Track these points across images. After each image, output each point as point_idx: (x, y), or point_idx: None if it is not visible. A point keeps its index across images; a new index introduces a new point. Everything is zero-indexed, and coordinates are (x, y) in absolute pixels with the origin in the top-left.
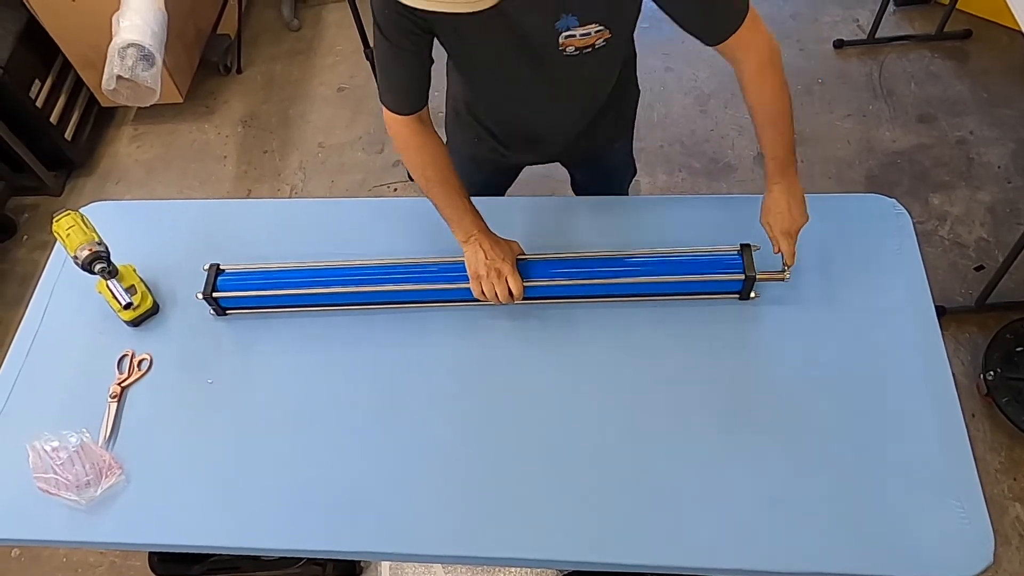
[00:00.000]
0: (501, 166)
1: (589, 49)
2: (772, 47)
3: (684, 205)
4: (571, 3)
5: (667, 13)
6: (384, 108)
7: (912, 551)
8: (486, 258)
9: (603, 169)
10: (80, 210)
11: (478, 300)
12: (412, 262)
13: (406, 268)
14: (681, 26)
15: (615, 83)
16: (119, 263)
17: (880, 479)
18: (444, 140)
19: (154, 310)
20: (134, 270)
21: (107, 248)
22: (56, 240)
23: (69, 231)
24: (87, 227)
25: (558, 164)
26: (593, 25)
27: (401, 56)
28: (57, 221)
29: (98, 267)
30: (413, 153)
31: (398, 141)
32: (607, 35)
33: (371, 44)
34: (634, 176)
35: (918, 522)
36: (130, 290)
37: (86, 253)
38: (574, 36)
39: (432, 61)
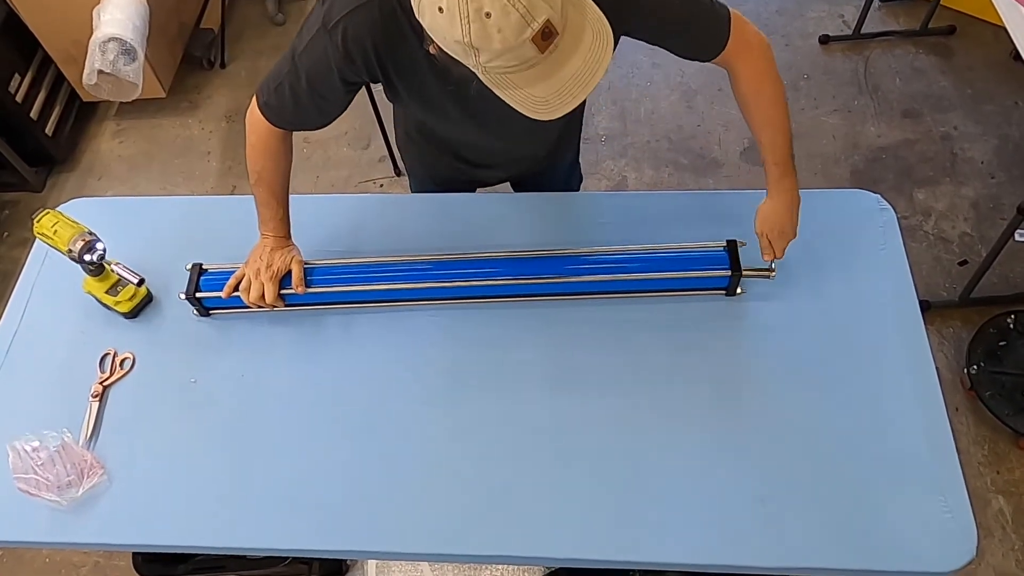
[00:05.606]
0: (457, 183)
1: None
2: (762, 44)
3: (671, 201)
4: None
5: (659, 46)
6: (259, 109)
7: (896, 545)
8: (260, 258)
9: (548, 180)
10: (59, 208)
11: (458, 298)
12: (398, 260)
13: (392, 266)
14: (676, 54)
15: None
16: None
17: (865, 473)
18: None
19: (149, 298)
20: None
21: (96, 235)
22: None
23: (55, 227)
24: (70, 221)
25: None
26: None
27: (311, 100)
28: (39, 222)
29: (97, 254)
30: (262, 154)
31: (255, 138)
32: None
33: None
34: (580, 183)
35: (902, 516)
36: (115, 286)
37: (80, 244)
38: None
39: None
